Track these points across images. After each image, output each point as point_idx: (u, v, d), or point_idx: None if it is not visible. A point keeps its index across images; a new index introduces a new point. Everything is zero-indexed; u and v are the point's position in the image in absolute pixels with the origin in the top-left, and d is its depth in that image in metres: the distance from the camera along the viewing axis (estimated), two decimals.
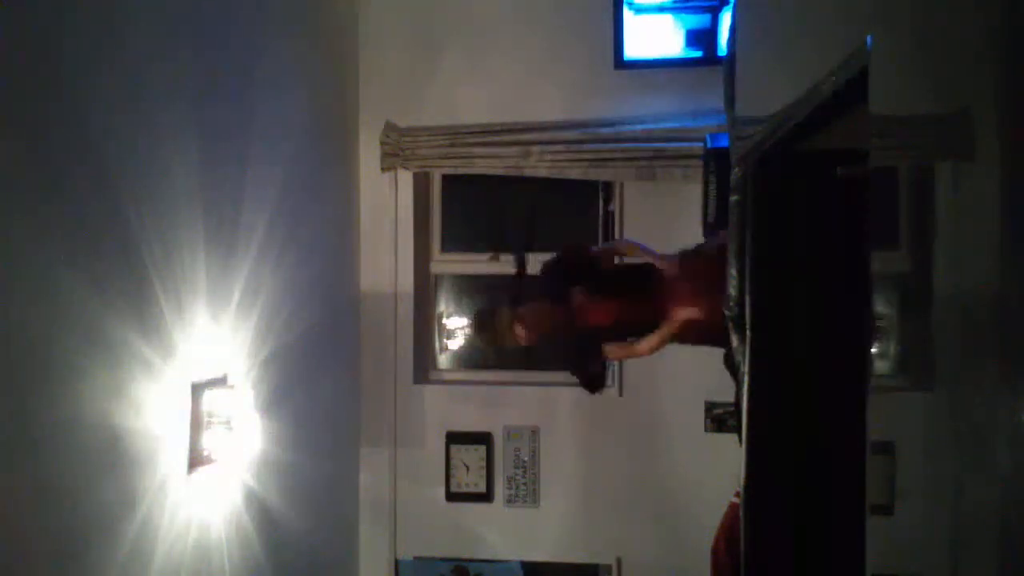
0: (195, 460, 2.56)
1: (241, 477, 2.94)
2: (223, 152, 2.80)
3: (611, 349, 3.01)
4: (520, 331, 2.98)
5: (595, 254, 3.13)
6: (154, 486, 2.35)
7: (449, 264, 4.30)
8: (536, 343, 3.05)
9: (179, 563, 2.49)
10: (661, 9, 4.02)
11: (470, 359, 4.36)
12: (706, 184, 3.09)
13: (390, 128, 4.00)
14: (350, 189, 4.08)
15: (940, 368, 3.61)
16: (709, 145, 3.16)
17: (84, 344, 2.07)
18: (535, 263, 3.28)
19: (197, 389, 2.57)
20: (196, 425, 2.56)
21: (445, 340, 4.36)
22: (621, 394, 3.97)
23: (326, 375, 3.78)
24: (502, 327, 3.01)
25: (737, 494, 2.55)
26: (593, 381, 3.09)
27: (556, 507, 4.03)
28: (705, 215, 3.14)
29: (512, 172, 3.93)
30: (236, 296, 2.89)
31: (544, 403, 4.04)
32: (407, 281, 4.13)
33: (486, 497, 4.05)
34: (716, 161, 2.90)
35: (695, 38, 4.02)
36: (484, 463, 4.04)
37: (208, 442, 2.59)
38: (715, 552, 2.94)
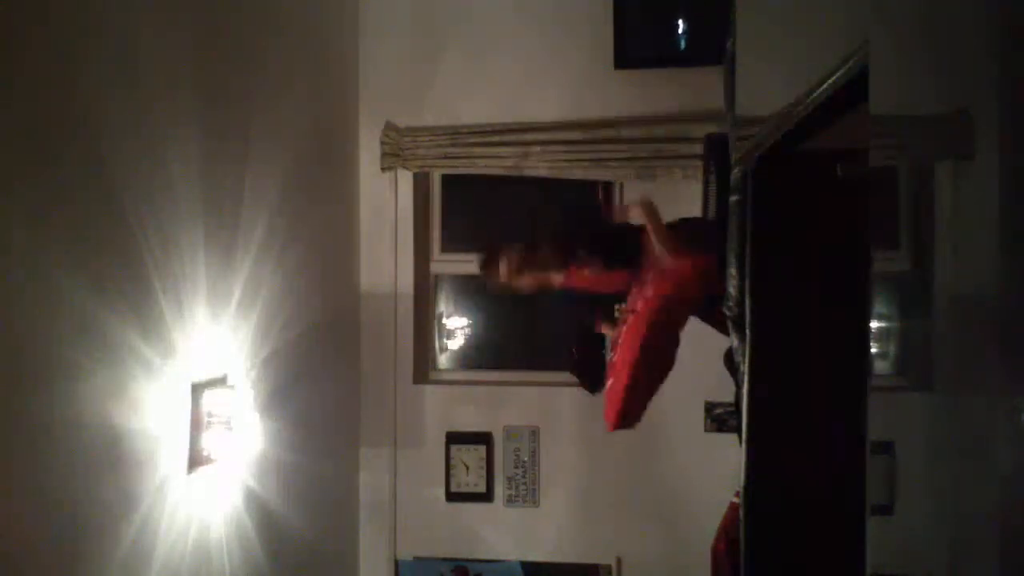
0: (195, 460, 2.56)
1: (241, 477, 2.94)
2: (223, 152, 2.80)
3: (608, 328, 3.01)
4: (512, 269, 2.96)
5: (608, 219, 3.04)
6: (154, 486, 2.35)
7: (449, 264, 4.30)
8: (532, 289, 3.01)
9: (179, 563, 2.49)
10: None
11: (470, 359, 4.36)
12: (706, 184, 3.09)
13: (390, 128, 4.00)
14: (350, 189, 4.08)
15: (940, 368, 3.61)
16: (709, 144, 3.16)
17: (84, 344, 2.07)
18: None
19: (197, 389, 2.57)
20: (196, 425, 2.56)
21: (445, 340, 4.36)
22: None
23: (326, 375, 3.78)
24: (505, 266, 2.98)
25: (737, 494, 2.55)
26: (591, 378, 3.08)
27: (556, 507, 4.03)
28: (705, 215, 3.14)
29: (512, 172, 3.93)
30: (236, 296, 2.89)
31: (544, 403, 4.04)
32: (407, 281, 4.13)
33: (486, 497, 4.05)
34: (716, 154, 2.89)
35: None
36: (484, 463, 4.04)
37: (208, 442, 2.59)
38: (715, 552, 2.94)
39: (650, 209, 2.83)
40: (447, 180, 4.27)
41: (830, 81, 1.61)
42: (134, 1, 2.31)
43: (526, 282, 3.02)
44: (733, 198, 2.33)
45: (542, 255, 2.98)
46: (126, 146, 2.25)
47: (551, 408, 4.02)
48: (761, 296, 2.11)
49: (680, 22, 3.95)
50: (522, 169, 3.90)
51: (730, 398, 2.85)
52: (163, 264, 2.40)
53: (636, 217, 2.87)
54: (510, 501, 4.05)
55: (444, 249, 4.30)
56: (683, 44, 3.98)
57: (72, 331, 2.03)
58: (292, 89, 3.41)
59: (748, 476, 2.17)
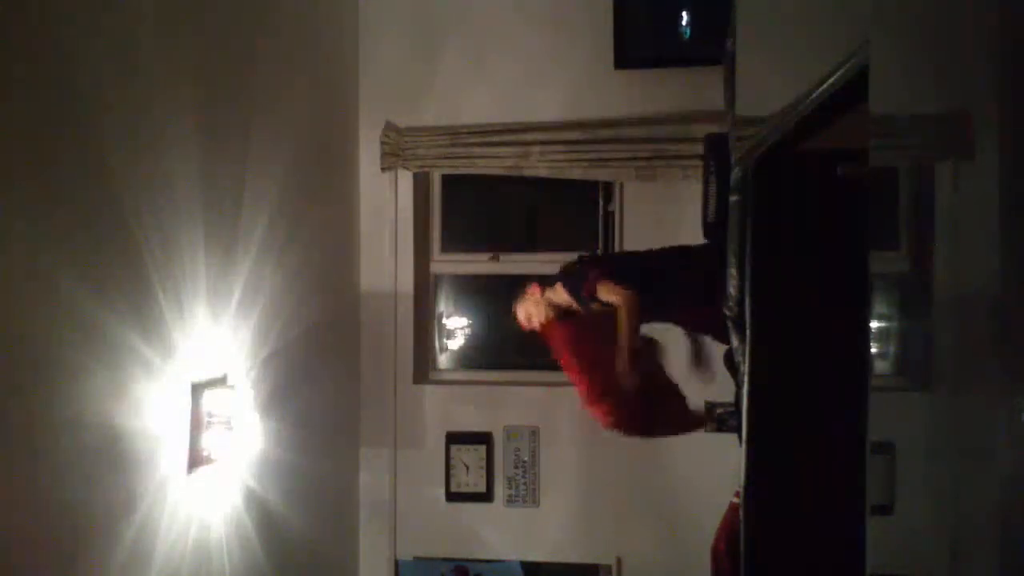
0: (195, 460, 2.56)
1: (241, 477, 2.94)
2: (223, 152, 2.80)
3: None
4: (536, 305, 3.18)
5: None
6: (154, 486, 2.35)
7: (449, 264, 4.30)
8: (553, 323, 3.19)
9: (179, 563, 2.49)
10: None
11: (470, 359, 4.36)
12: (706, 184, 3.09)
13: (390, 128, 4.00)
14: (350, 189, 4.08)
15: (940, 368, 3.61)
16: (709, 144, 3.16)
17: (84, 344, 2.07)
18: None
19: (197, 389, 2.57)
20: (196, 425, 2.56)
21: (445, 340, 4.36)
22: None
23: (326, 375, 3.78)
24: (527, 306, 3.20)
25: (737, 494, 2.55)
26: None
27: (556, 507, 4.03)
28: (705, 215, 3.14)
29: (512, 172, 3.93)
30: (236, 296, 2.89)
31: (544, 403, 4.04)
32: (407, 281, 4.13)
33: (486, 497, 4.06)
34: (716, 154, 2.89)
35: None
36: (484, 463, 4.04)
37: (208, 442, 2.59)
38: (715, 552, 2.94)
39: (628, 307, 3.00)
40: (447, 180, 4.27)
41: (830, 81, 1.61)
42: (134, 0, 2.31)
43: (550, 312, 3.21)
44: (733, 198, 2.34)
45: (557, 289, 3.18)
46: (126, 145, 2.25)
47: (551, 408, 4.02)
48: (761, 296, 2.11)
49: (684, 14, 3.93)
50: (522, 169, 3.91)
51: (730, 398, 2.85)
52: (163, 264, 2.40)
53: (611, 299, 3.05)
54: (510, 501, 4.05)
55: (444, 249, 4.30)
56: (688, 34, 3.95)
57: (72, 331, 2.03)
58: (292, 89, 3.41)
59: (748, 476, 2.16)
